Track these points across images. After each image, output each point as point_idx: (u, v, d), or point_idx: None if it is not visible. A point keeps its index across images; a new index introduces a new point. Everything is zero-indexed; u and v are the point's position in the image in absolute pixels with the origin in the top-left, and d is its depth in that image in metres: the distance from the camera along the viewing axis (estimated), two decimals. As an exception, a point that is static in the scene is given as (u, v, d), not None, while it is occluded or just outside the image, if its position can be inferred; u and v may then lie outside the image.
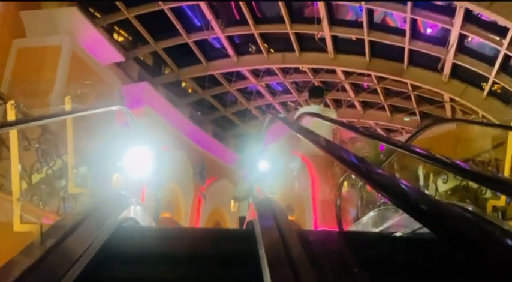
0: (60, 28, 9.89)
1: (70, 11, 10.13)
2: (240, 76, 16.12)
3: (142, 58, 15.08)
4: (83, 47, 10.31)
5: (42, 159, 3.10)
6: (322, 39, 13.55)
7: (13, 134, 2.10)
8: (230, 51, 14.37)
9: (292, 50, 14.13)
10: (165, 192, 11.99)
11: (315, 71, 15.59)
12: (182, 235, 2.32)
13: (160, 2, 12.03)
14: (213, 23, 13.01)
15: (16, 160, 2.02)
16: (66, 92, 9.32)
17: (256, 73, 15.92)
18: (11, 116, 2.09)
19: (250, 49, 15.42)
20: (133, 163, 5.06)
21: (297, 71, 16.17)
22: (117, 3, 12.00)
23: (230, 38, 14.05)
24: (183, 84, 17.40)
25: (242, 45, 15.28)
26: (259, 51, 14.65)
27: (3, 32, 9.40)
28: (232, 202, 13.13)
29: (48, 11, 9.98)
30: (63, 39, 9.80)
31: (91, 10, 12.56)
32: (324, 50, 13.79)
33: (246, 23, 13.11)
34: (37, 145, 3.01)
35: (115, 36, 14.66)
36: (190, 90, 17.88)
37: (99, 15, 12.71)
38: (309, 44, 14.09)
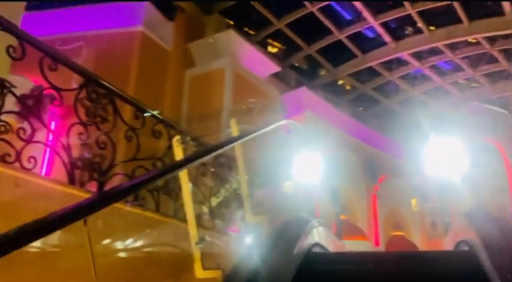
0: (222, 51, 10.54)
1: (228, 34, 10.74)
2: (400, 62, 14.82)
3: (297, 64, 15.15)
4: (243, 65, 10.78)
5: (219, 183, 3.08)
6: (496, 2, 11.44)
7: (183, 175, 2.01)
8: (386, 37, 13.33)
9: (458, 21, 12.33)
10: (338, 195, 11.63)
11: (491, 40, 13.29)
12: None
13: (308, 4, 11.85)
14: (364, 13, 12.24)
15: (190, 205, 1.90)
16: (233, 110, 9.84)
17: (418, 55, 14.41)
18: (178, 154, 2.00)
19: (407, 31, 14.07)
20: (303, 170, 4.85)
21: (467, 44, 14.05)
22: (268, 16, 12.26)
23: (385, 24, 13.02)
24: (340, 82, 16.89)
25: (398, 29, 14.02)
26: (418, 31, 13.24)
27: (177, 65, 10.44)
28: (413, 201, 11.99)
29: (209, 39, 10.76)
30: (226, 62, 10.42)
31: (246, 29, 13.14)
32: (499, 13, 11.63)
33: (401, 4, 11.95)
34: (212, 169, 3.00)
35: (269, 48, 15.06)
36: (348, 87, 17.25)
37: (253, 32, 13.21)
38: (479, 10, 12.08)
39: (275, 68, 11.91)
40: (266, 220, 2.76)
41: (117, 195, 1.50)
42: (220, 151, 2.00)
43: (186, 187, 1.98)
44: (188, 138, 2.40)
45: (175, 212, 2.47)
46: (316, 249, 2.17)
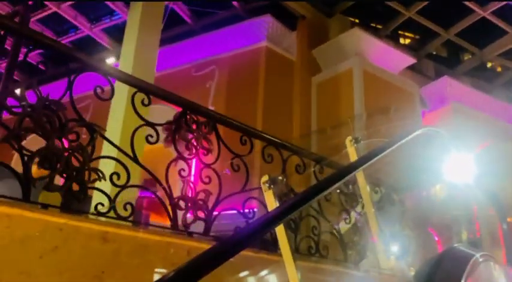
0: (348, 52, 9.93)
1: (353, 33, 10.06)
2: None
3: (435, 52, 13.54)
4: (373, 62, 9.98)
5: (348, 204, 2.60)
6: None
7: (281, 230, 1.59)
8: (546, 4, 10.95)
9: None
10: (501, 196, 9.85)
11: None
12: None
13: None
14: (513, -19, 10.27)
15: (290, 258, 1.50)
16: (366, 113, 9.11)
17: None
18: (270, 201, 1.59)
19: None
20: (455, 170, 4.10)
21: None
22: (395, 6, 11.20)
23: (542, -11, 10.73)
24: (489, 65, 14.54)
25: (561, -9, 11.41)
26: None
27: (303, 74, 10.17)
28: None
29: (333, 41, 10.24)
30: (353, 62, 9.76)
31: (372, 24, 12.25)
32: None
33: (562, -39, 9.68)
34: (338, 191, 2.55)
35: (401, 40, 13.80)
36: (499, 69, 14.75)
37: (380, 26, 12.23)
38: None
39: (409, 60, 10.77)
40: (409, 263, 2.19)
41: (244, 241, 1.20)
42: (338, 184, 1.56)
43: (283, 238, 1.58)
44: (280, 177, 1.95)
45: (296, 247, 2.10)
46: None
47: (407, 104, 10.19)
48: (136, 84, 1.92)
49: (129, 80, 1.96)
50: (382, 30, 11.97)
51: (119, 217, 1.69)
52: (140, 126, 1.88)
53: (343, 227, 2.52)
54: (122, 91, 3.24)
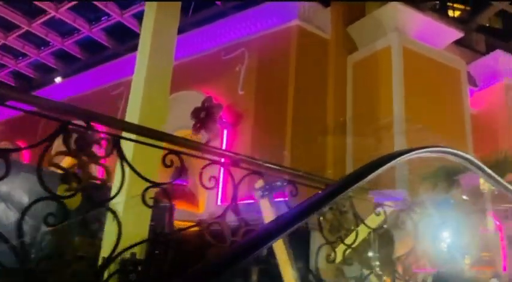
0: (386, 28, 8.73)
1: (391, 6, 8.81)
2: None
3: (487, 24, 11.82)
4: (414, 39, 8.73)
5: (337, 234, 1.83)
6: None
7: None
8: None
9: None
10: None
11: None
12: None
13: None
14: None
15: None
16: (406, 93, 8.02)
17: None
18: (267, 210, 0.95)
19: None
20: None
21: None
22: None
23: None
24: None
25: None
26: None
27: (338, 53, 9.12)
28: None
29: (369, 17, 9.06)
30: (391, 39, 8.57)
31: (416, -3, 10.79)
32: None
33: None
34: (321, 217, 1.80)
35: (450, 13, 12.19)
36: None
37: (425, -1, 10.76)
38: None
39: (456, 34, 9.33)
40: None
41: None
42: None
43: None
44: (279, 182, 1.30)
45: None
46: None
47: (452, 82, 8.89)
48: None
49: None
50: (428, 2, 10.53)
51: None
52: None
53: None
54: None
